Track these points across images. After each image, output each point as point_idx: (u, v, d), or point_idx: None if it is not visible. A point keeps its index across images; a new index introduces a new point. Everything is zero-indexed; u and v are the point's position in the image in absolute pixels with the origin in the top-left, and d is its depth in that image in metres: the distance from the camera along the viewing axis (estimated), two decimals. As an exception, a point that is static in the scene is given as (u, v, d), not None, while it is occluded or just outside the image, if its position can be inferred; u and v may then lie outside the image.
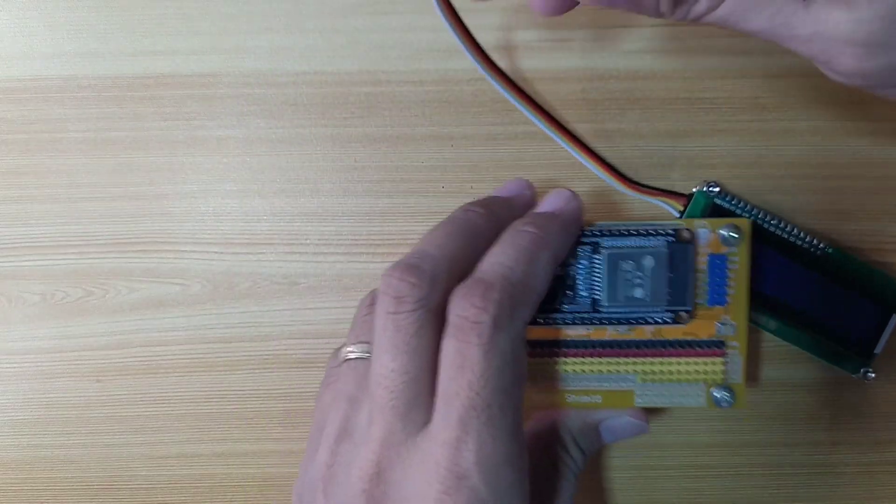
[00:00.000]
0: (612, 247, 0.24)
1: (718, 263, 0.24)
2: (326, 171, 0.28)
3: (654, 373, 0.24)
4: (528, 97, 0.26)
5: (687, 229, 0.24)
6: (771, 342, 0.28)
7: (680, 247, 0.24)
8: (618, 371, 0.24)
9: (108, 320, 0.29)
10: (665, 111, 0.28)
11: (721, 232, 0.24)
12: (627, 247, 0.24)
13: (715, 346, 0.24)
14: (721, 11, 0.19)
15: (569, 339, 0.24)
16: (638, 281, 0.24)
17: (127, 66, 0.28)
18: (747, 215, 0.27)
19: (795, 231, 0.27)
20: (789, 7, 0.19)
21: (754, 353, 0.28)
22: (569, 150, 0.27)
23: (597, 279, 0.24)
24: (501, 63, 0.28)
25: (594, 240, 0.24)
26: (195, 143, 0.28)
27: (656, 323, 0.24)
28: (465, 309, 0.21)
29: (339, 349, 0.24)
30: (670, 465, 0.29)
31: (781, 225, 0.27)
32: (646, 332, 0.24)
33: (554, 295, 0.24)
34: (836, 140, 0.28)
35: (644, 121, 0.28)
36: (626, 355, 0.24)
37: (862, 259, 0.27)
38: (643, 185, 0.28)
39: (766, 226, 0.27)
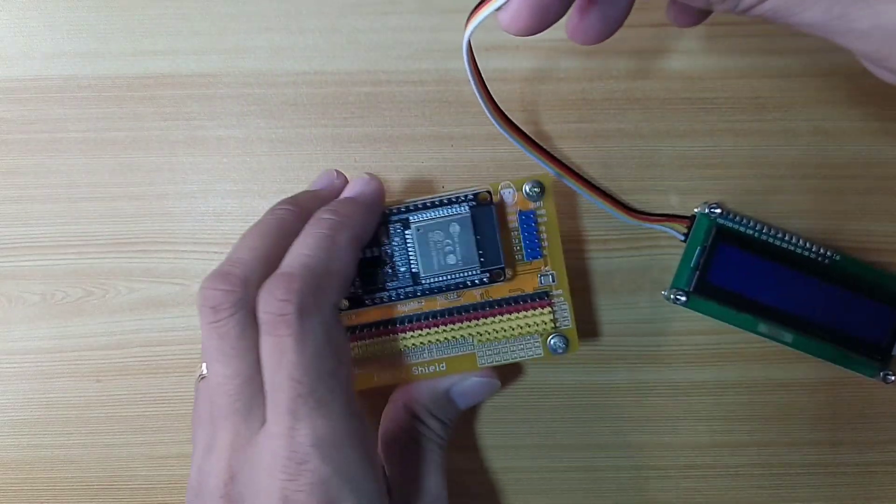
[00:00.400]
0: (420, 220, 0.25)
1: (527, 219, 0.25)
2: (326, 171, 0.28)
3: (490, 332, 0.25)
4: (547, 152, 0.27)
5: (487, 191, 0.25)
6: (771, 342, 0.28)
7: (482, 209, 0.25)
8: (455, 338, 0.25)
9: (108, 320, 0.29)
10: (665, 111, 0.28)
11: (525, 189, 0.25)
12: (434, 218, 0.25)
13: (541, 298, 0.26)
14: (772, 2, 0.18)
15: (404, 314, 0.25)
16: (449, 248, 0.25)
17: (127, 66, 0.28)
18: (752, 232, 0.27)
19: (801, 242, 0.27)
20: None
21: (754, 354, 0.28)
22: (577, 191, 0.27)
23: (411, 253, 0.25)
24: (501, 63, 0.28)
25: (403, 216, 0.25)
26: (195, 143, 0.28)
27: (475, 285, 0.25)
28: (270, 304, 0.21)
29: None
30: (670, 466, 0.29)
31: (787, 238, 0.27)
32: (475, 296, 0.26)
33: (376, 275, 0.25)
34: (836, 140, 0.28)
35: (644, 121, 0.28)
36: (461, 321, 0.25)
37: (866, 261, 0.27)
38: (645, 213, 0.28)
39: (772, 241, 0.27)
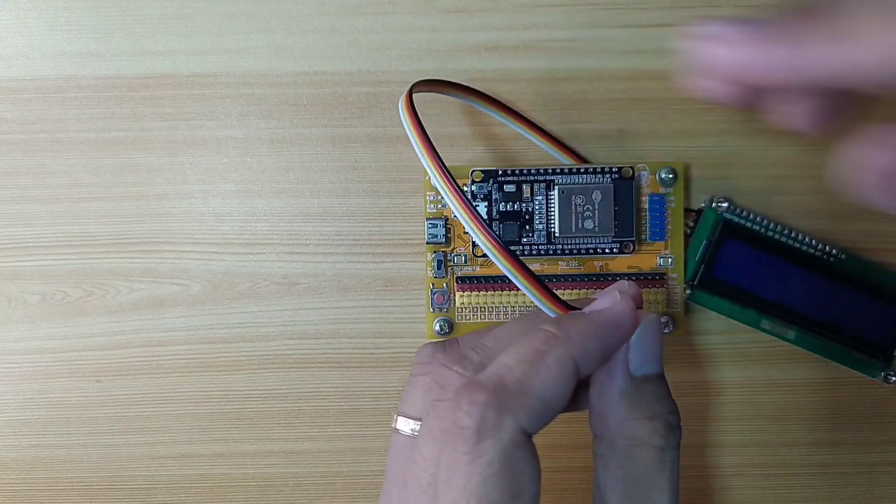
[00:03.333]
0: (565, 183, 0.26)
1: (658, 202, 0.27)
2: (326, 171, 0.28)
3: None
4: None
5: (630, 167, 0.27)
6: (771, 342, 0.28)
7: (624, 183, 0.26)
8: None
9: (108, 320, 0.29)
10: (665, 111, 0.28)
11: (659, 174, 0.27)
12: (578, 183, 0.26)
13: (657, 278, 0.27)
14: None
15: None
16: (588, 213, 0.26)
17: (127, 67, 0.28)
18: (759, 228, 0.27)
19: (808, 240, 0.27)
20: None
21: (754, 354, 0.28)
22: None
23: (552, 213, 0.26)
24: (501, 64, 0.28)
25: (548, 178, 0.26)
26: (195, 144, 0.28)
27: (605, 253, 0.27)
28: (453, 412, 0.19)
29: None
30: (670, 466, 0.29)
31: (793, 235, 0.27)
32: (594, 267, 0.27)
33: (514, 229, 0.27)
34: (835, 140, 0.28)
35: (644, 121, 0.28)
36: (579, 287, 0.27)
37: (871, 261, 0.27)
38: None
39: (778, 237, 0.27)
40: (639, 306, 0.22)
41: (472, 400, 0.19)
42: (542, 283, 0.21)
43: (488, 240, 0.21)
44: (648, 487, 0.20)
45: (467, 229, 0.21)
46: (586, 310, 0.21)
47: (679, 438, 0.21)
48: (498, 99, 0.27)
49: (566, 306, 0.22)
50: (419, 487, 0.20)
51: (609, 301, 0.21)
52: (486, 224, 0.21)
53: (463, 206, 0.21)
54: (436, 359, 0.23)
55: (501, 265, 0.21)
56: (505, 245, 0.21)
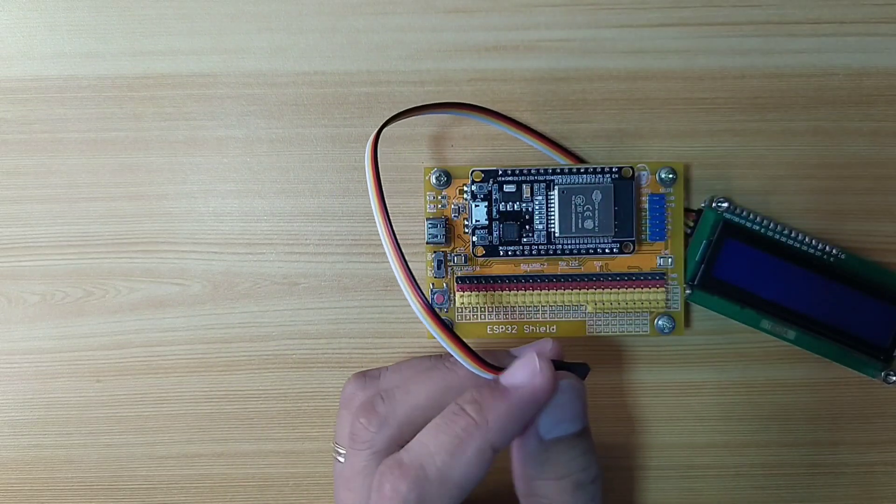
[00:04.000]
0: (565, 183, 0.26)
1: (658, 202, 0.27)
2: (326, 171, 0.28)
3: (603, 303, 0.27)
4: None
5: (630, 167, 0.26)
6: (771, 342, 0.28)
7: (624, 183, 0.26)
8: (570, 303, 0.27)
9: (108, 320, 0.29)
10: (665, 111, 0.28)
11: (659, 174, 0.27)
12: (578, 183, 0.26)
13: (657, 278, 0.27)
14: None
15: (527, 273, 0.27)
16: (588, 213, 0.26)
17: (127, 67, 0.28)
18: (759, 228, 0.27)
19: (808, 240, 0.27)
20: None
21: (754, 354, 0.28)
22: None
23: (551, 213, 0.26)
24: (501, 64, 0.28)
25: (548, 178, 0.26)
26: (195, 144, 0.28)
27: (604, 253, 0.27)
28: (379, 490, 0.21)
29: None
30: (669, 466, 0.29)
31: (793, 235, 0.27)
32: (595, 267, 0.27)
33: (513, 229, 0.26)
34: (836, 140, 0.28)
35: (644, 121, 0.28)
36: (579, 287, 0.27)
37: (871, 261, 0.27)
38: None
39: (779, 237, 0.27)
40: (561, 358, 0.23)
41: (394, 487, 0.20)
42: (467, 346, 0.22)
43: (418, 300, 0.22)
44: None
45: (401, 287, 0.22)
46: (505, 380, 0.22)
47: (592, 492, 0.22)
48: (469, 103, 0.27)
49: (488, 367, 0.22)
50: None
51: (528, 372, 0.21)
52: (418, 287, 0.22)
53: (401, 266, 0.22)
54: (356, 397, 0.24)
55: (429, 326, 0.22)
56: (433, 311, 0.22)
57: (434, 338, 0.22)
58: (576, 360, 0.24)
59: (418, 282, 0.22)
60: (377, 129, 0.24)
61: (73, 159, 0.28)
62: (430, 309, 0.22)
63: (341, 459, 0.24)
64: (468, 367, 0.22)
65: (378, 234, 0.28)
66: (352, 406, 0.24)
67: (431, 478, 0.20)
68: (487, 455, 0.21)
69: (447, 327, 0.22)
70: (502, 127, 0.27)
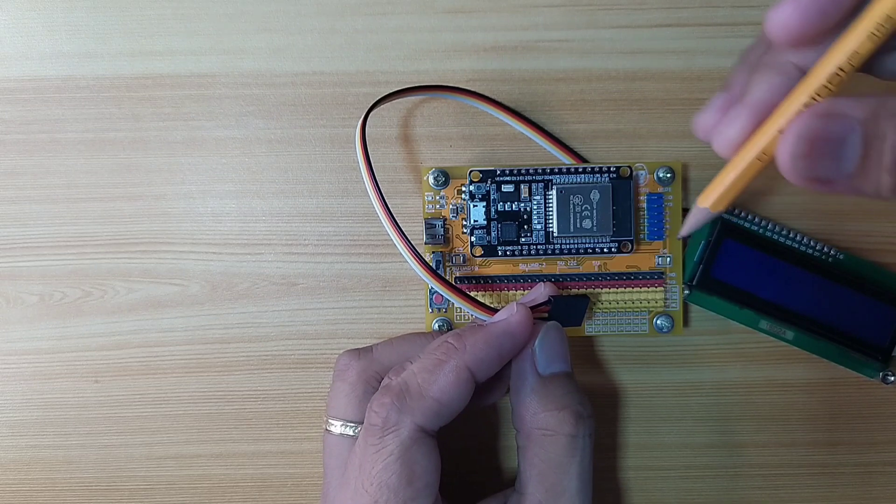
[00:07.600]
0: (562, 183, 0.26)
1: (655, 201, 0.27)
2: (325, 171, 0.28)
3: (602, 303, 0.27)
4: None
5: (628, 167, 0.26)
6: (769, 342, 0.28)
7: (622, 183, 0.26)
8: None
9: (107, 321, 0.29)
10: (665, 111, 0.28)
11: (657, 173, 0.27)
12: (576, 183, 0.26)
13: (655, 277, 0.27)
14: None
15: (525, 273, 0.27)
16: (586, 213, 0.26)
17: (125, 67, 0.28)
18: (757, 229, 0.27)
19: (806, 240, 0.27)
20: None
21: (753, 354, 0.28)
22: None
23: (549, 212, 0.26)
24: (501, 64, 0.28)
25: (546, 178, 0.26)
26: (194, 144, 0.28)
27: (602, 252, 0.27)
28: (368, 413, 0.23)
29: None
30: (669, 466, 0.29)
31: (791, 235, 0.27)
32: (593, 267, 0.27)
33: (512, 229, 0.27)
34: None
35: (643, 121, 0.28)
36: (577, 287, 0.27)
37: (869, 261, 0.27)
38: None
39: (777, 237, 0.27)
40: (551, 305, 0.25)
41: (380, 402, 0.23)
42: (467, 294, 0.24)
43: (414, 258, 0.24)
44: (559, 472, 0.23)
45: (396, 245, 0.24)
46: (488, 321, 0.24)
47: (590, 428, 0.24)
48: (452, 86, 0.27)
49: (485, 309, 0.24)
50: (335, 467, 0.25)
51: (505, 312, 0.24)
52: (403, 234, 0.24)
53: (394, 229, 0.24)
54: (351, 367, 0.25)
55: (428, 280, 0.24)
56: (430, 267, 0.24)
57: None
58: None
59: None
60: (370, 108, 0.25)
61: (71, 160, 0.28)
62: (415, 253, 0.24)
63: (333, 431, 0.25)
64: (468, 310, 0.25)
65: (378, 234, 0.28)
66: (346, 377, 0.25)
67: (413, 392, 0.23)
68: (464, 375, 0.23)
69: (439, 275, 0.24)
70: (492, 111, 0.27)
